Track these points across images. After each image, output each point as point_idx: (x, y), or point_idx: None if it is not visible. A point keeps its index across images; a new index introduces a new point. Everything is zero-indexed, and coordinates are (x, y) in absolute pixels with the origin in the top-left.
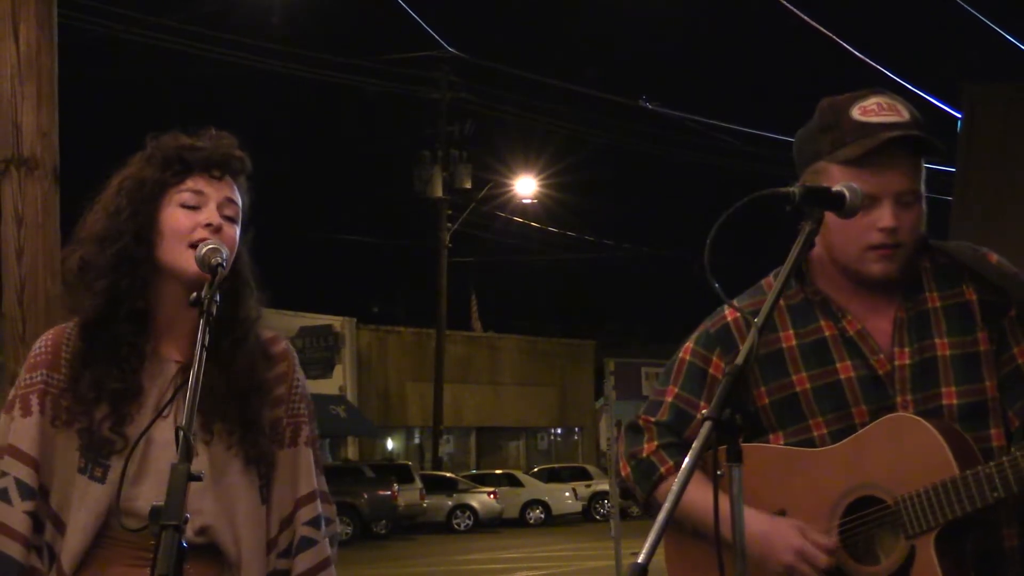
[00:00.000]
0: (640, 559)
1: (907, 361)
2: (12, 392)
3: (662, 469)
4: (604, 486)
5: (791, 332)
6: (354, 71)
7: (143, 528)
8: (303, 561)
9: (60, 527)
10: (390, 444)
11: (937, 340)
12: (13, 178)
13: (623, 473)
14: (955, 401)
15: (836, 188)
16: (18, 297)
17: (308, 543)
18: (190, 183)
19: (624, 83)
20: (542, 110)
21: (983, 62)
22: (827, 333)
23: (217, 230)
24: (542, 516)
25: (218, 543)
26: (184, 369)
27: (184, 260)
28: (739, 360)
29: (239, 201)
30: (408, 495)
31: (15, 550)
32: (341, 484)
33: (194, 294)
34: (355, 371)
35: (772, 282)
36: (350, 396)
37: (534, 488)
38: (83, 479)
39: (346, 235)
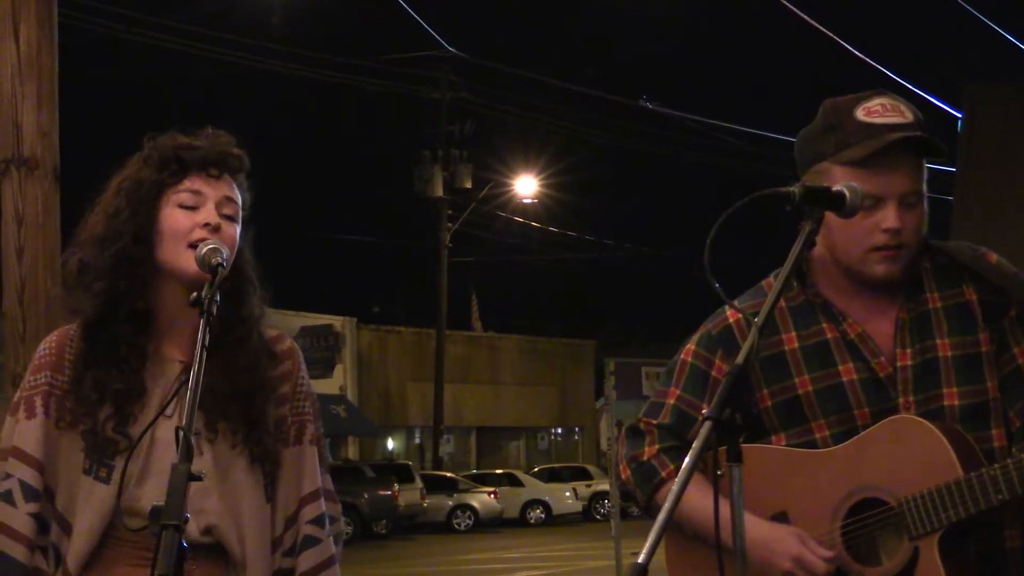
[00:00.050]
0: (640, 559)
1: (909, 362)
2: (17, 394)
3: (663, 473)
4: (604, 486)
5: (793, 334)
6: (354, 71)
7: (143, 528)
8: (307, 560)
9: (66, 528)
10: (390, 444)
11: (938, 341)
12: (13, 178)
13: (624, 476)
14: (956, 402)
15: (836, 188)
16: (18, 297)
17: (312, 541)
18: (188, 183)
19: (624, 83)
20: (542, 110)
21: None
22: (829, 335)
23: (216, 229)
24: (542, 516)
25: (223, 542)
26: (187, 368)
27: (184, 260)
28: (739, 360)
29: (238, 199)
30: (408, 495)
31: (18, 552)
32: (341, 484)
33: (194, 294)
34: (355, 371)
35: (773, 283)
36: (350, 396)
37: (534, 488)
38: (88, 480)
39: (346, 235)
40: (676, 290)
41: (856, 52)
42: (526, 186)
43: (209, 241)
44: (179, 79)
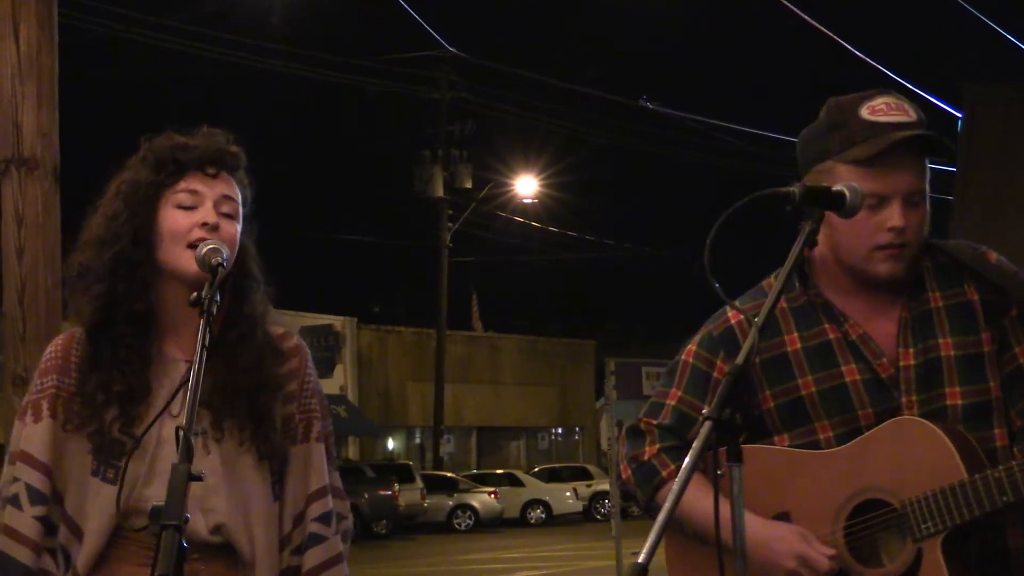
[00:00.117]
0: (640, 559)
1: (912, 362)
2: (25, 398)
3: (663, 473)
4: (605, 486)
5: (795, 335)
6: (354, 71)
7: (144, 528)
8: (312, 557)
9: (75, 530)
10: (391, 444)
11: (941, 340)
12: (13, 178)
13: (624, 476)
14: (959, 401)
15: (836, 188)
16: (18, 297)
17: (317, 539)
18: (185, 183)
19: (624, 83)
20: (542, 110)
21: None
22: (831, 336)
23: (214, 228)
24: (543, 516)
25: (232, 541)
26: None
27: (184, 261)
28: (739, 359)
29: (237, 197)
30: (409, 495)
31: (24, 555)
32: (342, 484)
33: (194, 295)
34: (356, 371)
35: (773, 283)
36: (351, 396)
37: (535, 488)
38: (96, 481)
39: (346, 235)
40: (676, 290)
41: (856, 52)
42: (526, 186)
43: (209, 241)
44: (179, 79)
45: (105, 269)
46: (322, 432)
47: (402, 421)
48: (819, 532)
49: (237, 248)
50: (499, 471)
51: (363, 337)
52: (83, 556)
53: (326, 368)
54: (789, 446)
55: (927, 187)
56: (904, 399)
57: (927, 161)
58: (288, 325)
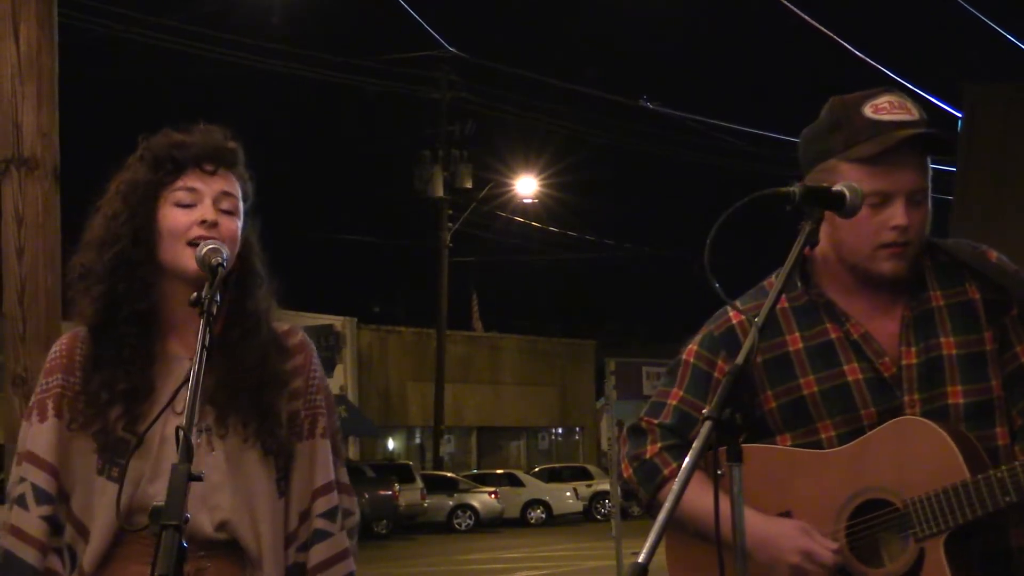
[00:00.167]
0: (640, 559)
1: (914, 360)
2: (32, 398)
3: (665, 471)
4: (605, 486)
5: (797, 335)
6: (354, 71)
7: (144, 528)
8: (317, 554)
9: (81, 530)
10: (391, 444)
11: (943, 339)
12: (13, 178)
13: (626, 475)
14: (961, 400)
15: (836, 188)
16: (18, 297)
17: (322, 535)
18: (183, 181)
19: (624, 83)
20: (542, 110)
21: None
22: (833, 336)
23: (214, 226)
24: (543, 516)
25: (238, 538)
26: None
27: (184, 259)
28: (739, 359)
29: (237, 193)
30: (409, 495)
31: (30, 555)
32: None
33: (194, 295)
34: (356, 371)
35: (774, 282)
36: (351, 396)
37: (535, 488)
38: (101, 480)
39: (346, 235)
40: (676, 290)
41: (856, 52)
42: (526, 186)
43: (209, 241)
44: (179, 79)
45: (106, 269)
46: (328, 428)
47: (402, 421)
48: (821, 532)
49: (239, 244)
50: (499, 471)
51: (363, 337)
52: (89, 555)
53: (326, 368)
54: (791, 446)
55: (929, 186)
56: (906, 398)
57: (929, 160)
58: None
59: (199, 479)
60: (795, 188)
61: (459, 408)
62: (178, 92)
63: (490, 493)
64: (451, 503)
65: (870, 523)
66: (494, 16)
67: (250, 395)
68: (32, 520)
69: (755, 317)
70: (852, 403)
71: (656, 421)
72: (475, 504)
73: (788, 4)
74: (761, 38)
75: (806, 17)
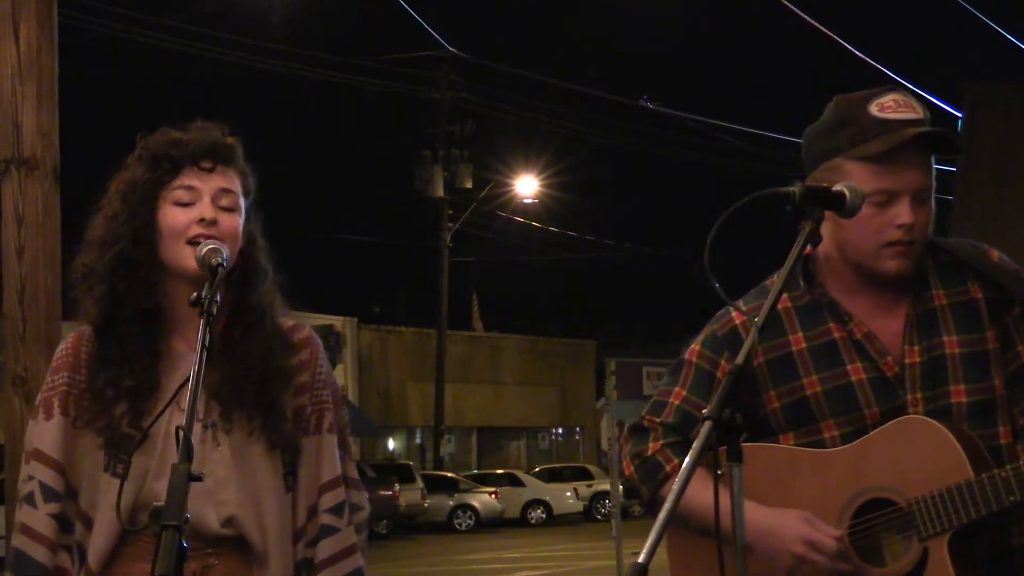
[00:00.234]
0: (640, 559)
1: (917, 359)
2: (38, 396)
3: (667, 467)
4: (605, 486)
5: (800, 335)
6: (354, 71)
7: (144, 528)
8: (324, 549)
9: (90, 526)
10: (391, 444)
11: (945, 338)
12: (13, 178)
13: (627, 472)
14: (964, 399)
15: (836, 188)
16: (18, 297)
17: (328, 531)
18: (181, 179)
19: (624, 83)
20: (542, 110)
21: (983, 62)
22: (836, 335)
23: (213, 223)
24: (543, 516)
25: (244, 533)
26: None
27: (184, 258)
28: (739, 360)
29: (236, 189)
30: (409, 495)
31: (40, 553)
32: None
33: (194, 295)
34: (356, 371)
35: (775, 282)
36: (351, 396)
37: (535, 488)
38: (107, 476)
39: (346, 235)
40: (676, 290)
41: (856, 52)
42: (526, 186)
43: (209, 241)
44: (179, 79)
45: (107, 269)
46: (334, 423)
47: (402, 421)
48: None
49: (240, 240)
50: (499, 471)
51: (363, 337)
52: (94, 552)
53: None
54: (794, 445)
55: (934, 185)
56: (909, 397)
57: (934, 159)
58: None
59: (199, 479)
60: (795, 188)
61: (459, 408)
62: (178, 92)
63: (490, 493)
64: (451, 503)
65: (873, 522)
66: (494, 16)
67: (254, 389)
68: (41, 518)
69: (755, 317)
70: (855, 403)
71: (658, 419)
72: (475, 504)
73: (788, 4)
74: (761, 38)
75: (806, 17)
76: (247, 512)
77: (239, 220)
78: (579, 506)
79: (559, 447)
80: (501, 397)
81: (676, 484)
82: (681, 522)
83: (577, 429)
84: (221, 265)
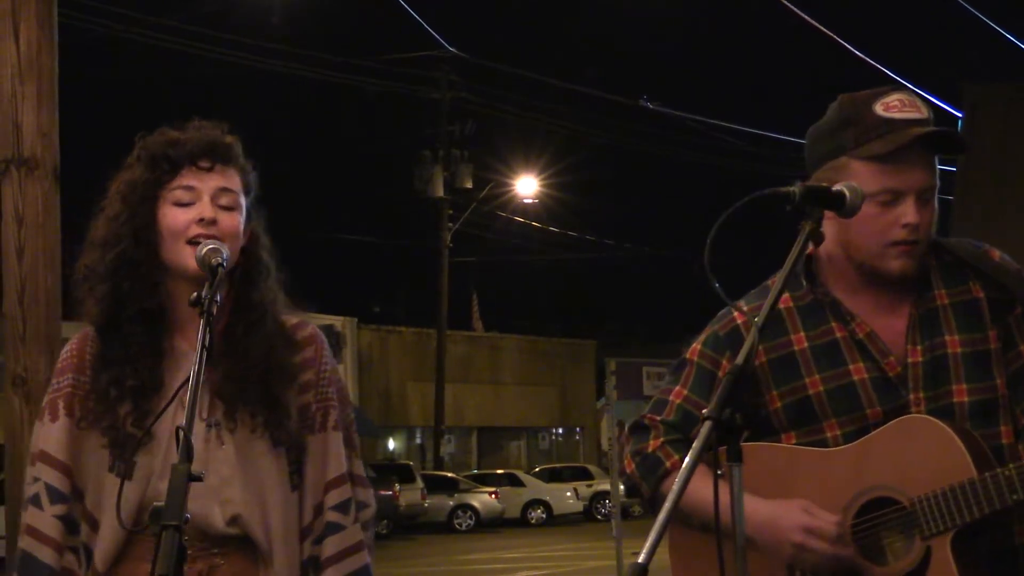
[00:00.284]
0: (640, 559)
1: (919, 359)
2: (44, 398)
3: (668, 464)
4: (605, 486)
5: (802, 334)
6: (354, 71)
7: (145, 528)
8: (329, 546)
9: (96, 527)
10: (391, 444)
11: (947, 337)
12: (13, 178)
13: (628, 470)
14: (966, 399)
15: (836, 187)
16: (18, 297)
17: (335, 528)
18: (180, 179)
19: (624, 83)
20: (542, 110)
21: (983, 62)
22: (838, 335)
23: (212, 223)
24: (543, 516)
25: (249, 532)
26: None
27: (184, 258)
28: (739, 360)
29: (236, 187)
30: (409, 495)
31: (46, 554)
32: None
33: (194, 295)
34: (356, 371)
35: (776, 282)
36: (351, 396)
37: (535, 488)
38: (112, 477)
39: (346, 235)
40: (676, 290)
41: (856, 52)
42: (526, 186)
43: (209, 241)
44: (179, 79)
45: (108, 270)
46: (340, 421)
47: (403, 421)
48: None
49: (241, 238)
50: (500, 471)
51: (363, 337)
52: (100, 553)
53: None
54: (796, 445)
55: (938, 184)
56: (911, 396)
57: (937, 159)
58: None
59: (199, 479)
60: (795, 188)
61: (459, 408)
62: (178, 92)
63: (490, 493)
64: (451, 503)
65: (875, 521)
66: (494, 16)
67: (256, 387)
68: (47, 519)
69: (755, 317)
70: (858, 402)
71: (659, 418)
72: (475, 504)
73: (788, 4)
74: (761, 38)
75: (806, 17)
76: (252, 510)
77: (239, 219)
78: (579, 506)
79: (559, 447)
80: (501, 397)
81: (676, 484)
82: (682, 519)
83: (577, 429)
84: (221, 265)
